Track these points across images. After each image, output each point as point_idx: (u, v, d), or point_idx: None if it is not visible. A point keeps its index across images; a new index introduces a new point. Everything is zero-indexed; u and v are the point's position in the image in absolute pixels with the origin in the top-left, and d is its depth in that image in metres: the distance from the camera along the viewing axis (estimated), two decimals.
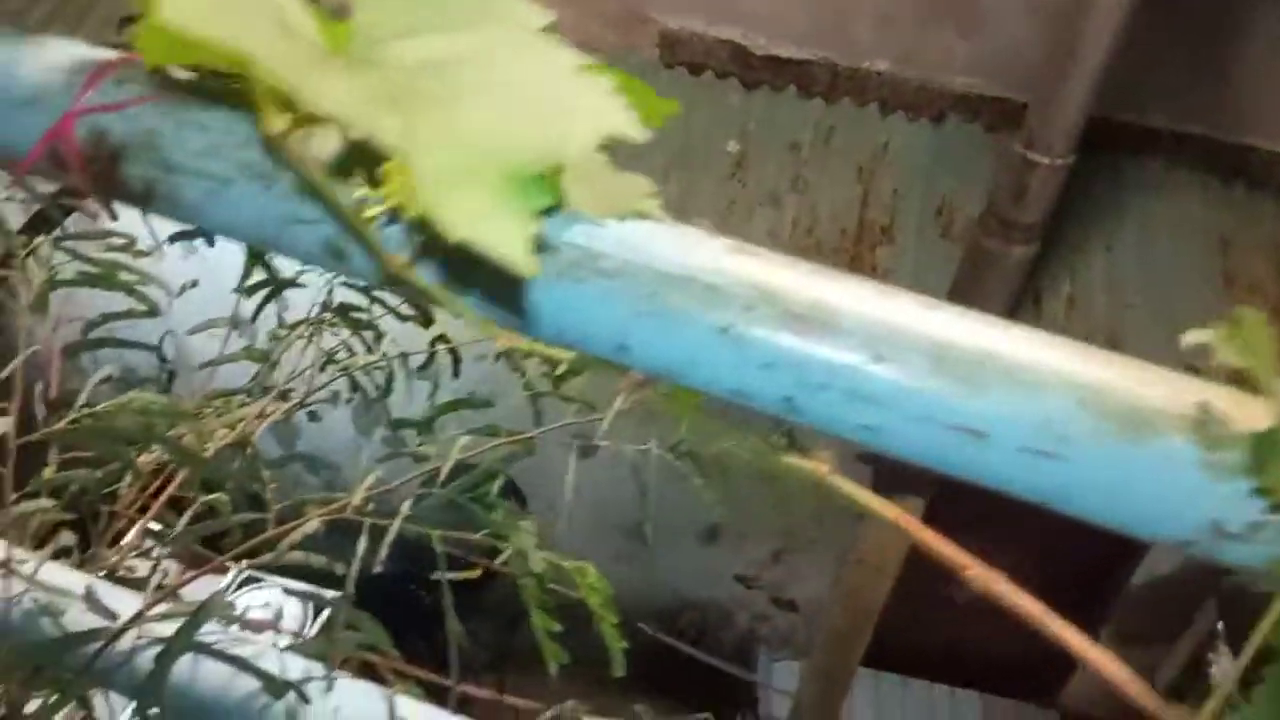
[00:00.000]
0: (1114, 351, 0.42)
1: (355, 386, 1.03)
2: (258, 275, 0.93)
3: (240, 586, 2.81)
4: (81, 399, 0.85)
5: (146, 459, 0.90)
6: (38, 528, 0.94)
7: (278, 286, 0.95)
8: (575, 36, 0.38)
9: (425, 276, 0.36)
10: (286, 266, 1.15)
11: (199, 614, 0.71)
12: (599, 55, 0.32)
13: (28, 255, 0.88)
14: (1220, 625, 3.29)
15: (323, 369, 1.09)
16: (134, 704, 0.96)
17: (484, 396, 0.97)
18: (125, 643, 0.75)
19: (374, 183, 0.32)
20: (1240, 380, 0.41)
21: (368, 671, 0.81)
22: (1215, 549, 0.39)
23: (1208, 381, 0.40)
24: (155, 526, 1.10)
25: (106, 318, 0.97)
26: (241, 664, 0.71)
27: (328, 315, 1.04)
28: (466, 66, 0.28)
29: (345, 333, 1.06)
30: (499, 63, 0.28)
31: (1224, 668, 3.28)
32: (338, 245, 0.47)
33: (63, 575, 0.83)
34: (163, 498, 0.92)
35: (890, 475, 2.66)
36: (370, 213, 0.35)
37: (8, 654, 0.74)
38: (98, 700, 0.88)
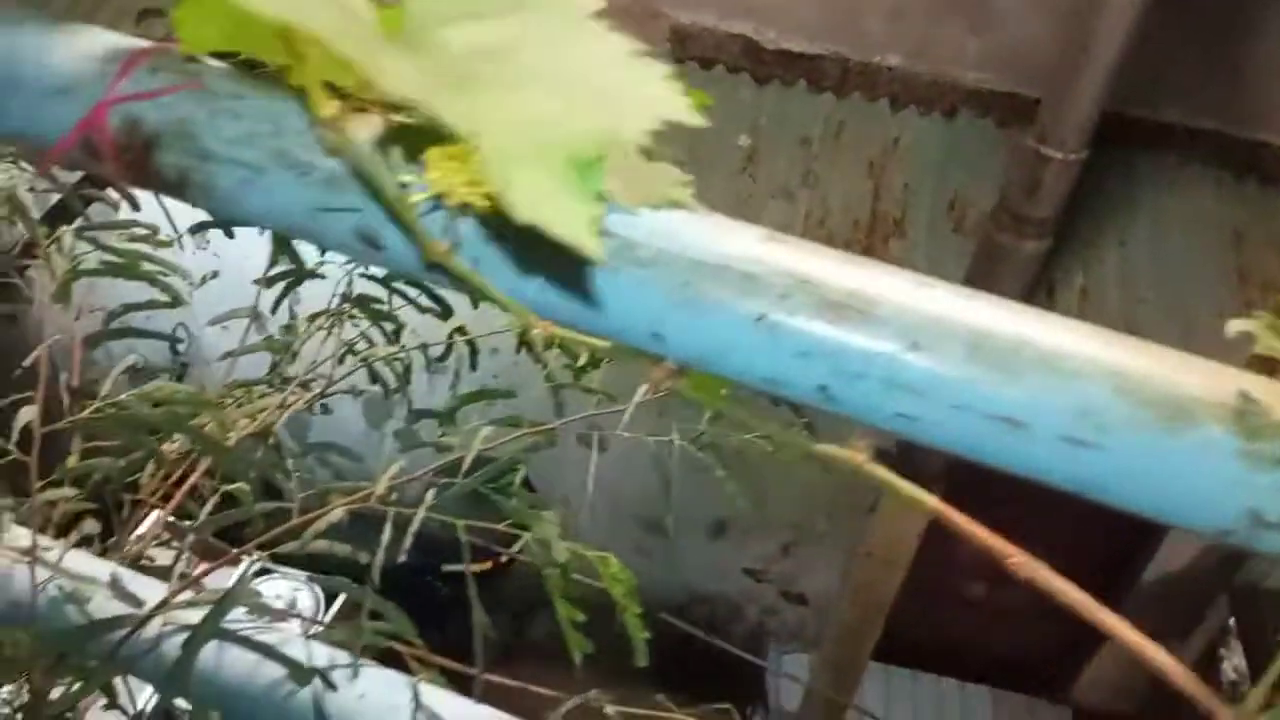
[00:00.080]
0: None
1: (374, 378, 1.04)
2: (283, 265, 0.93)
3: (253, 577, 2.82)
4: (106, 388, 0.86)
5: (168, 448, 0.90)
6: (59, 516, 0.95)
7: (299, 277, 0.96)
8: None
9: (465, 264, 0.36)
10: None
11: (224, 601, 0.71)
12: None
13: (50, 245, 0.88)
14: (1232, 621, 3.29)
15: (341, 360, 1.10)
16: (153, 690, 0.97)
17: (499, 388, 0.97)
18: (150, 630, 0.75)
19: (425, 170, 0.32)
20: (1271, 372, 0.41)
21: (389, 660, 0.81)
22: (1254, 539, 0.39)
23: (1246, 371, 0.40)
24: (160, 515, 1.11)
25: (128, 308, 0.97)
26: (267, 651, 0.72)
27: (346, 306, 1.04)
28: (521, 51, 0.28)
29: (364, 324, 1.06)
30: (553, 48, 0.28)
31: (1236, 663, 3.27)
32: (371, 233, 0.48)
33: (87, 563, 0.83)
34: (185, 487, 0.93)
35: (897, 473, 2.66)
36: (414, 199, 0.35)
37: (33, 641, 0.74)
38: (117, 685, 0.88)
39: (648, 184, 0.44)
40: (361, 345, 1.07)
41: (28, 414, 0.83)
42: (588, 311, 0.45)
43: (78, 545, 0.85)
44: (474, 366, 1.14)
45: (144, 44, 0.53)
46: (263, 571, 3.04)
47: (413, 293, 1.07)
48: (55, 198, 1.08)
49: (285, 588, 3.07)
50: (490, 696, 0.87)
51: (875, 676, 3.70)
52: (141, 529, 1.15)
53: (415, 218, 0.35)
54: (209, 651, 0.73)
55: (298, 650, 0.74)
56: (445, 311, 1.04)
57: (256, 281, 0.98)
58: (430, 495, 0.81)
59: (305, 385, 1.00)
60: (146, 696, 1.16)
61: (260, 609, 0.83)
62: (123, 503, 0.96)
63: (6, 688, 0.81)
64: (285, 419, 0.93)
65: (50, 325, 3.83)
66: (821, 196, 2.90)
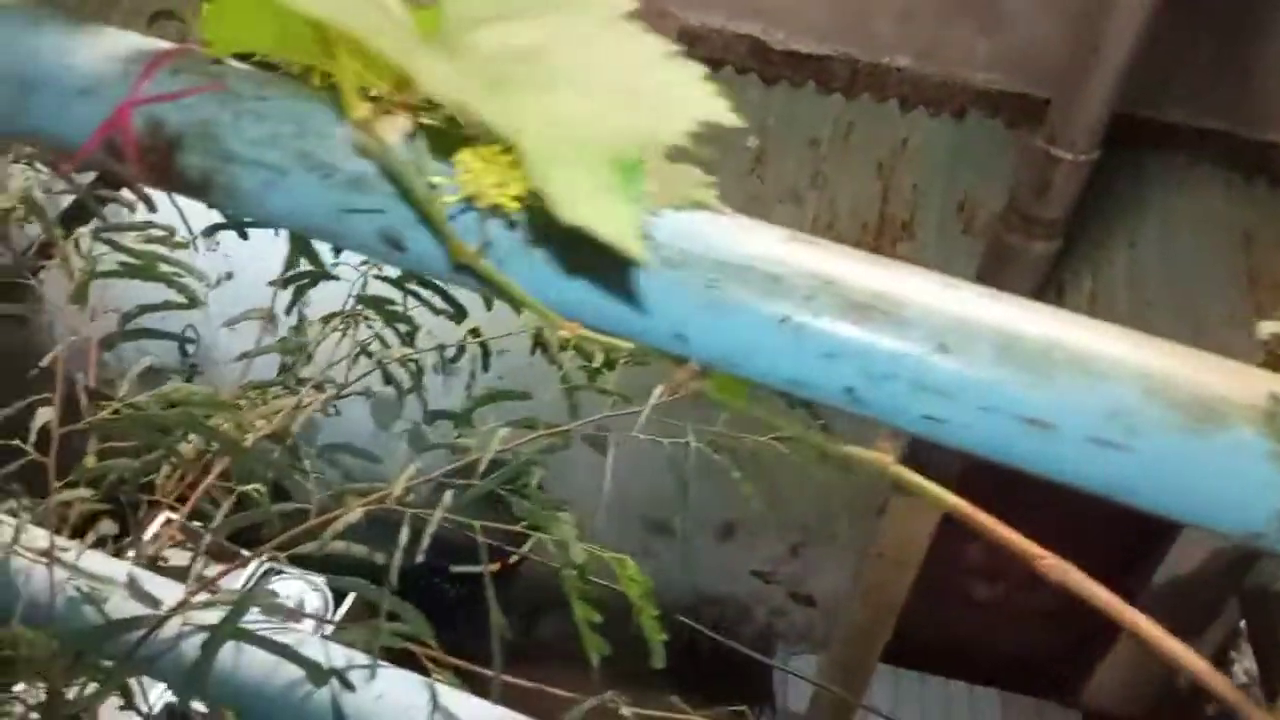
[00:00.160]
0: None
1: (388, 379, 1.04)
2: (301, 267, 0.93)
3: (262, 577, 2.82)
4: (124, 389, 0.86)
5: (185, 449, 0.91)
6: (74, 517, 0.95)
7: (314, 278, 0.96)
8: None
9: (492, 266, 0.36)
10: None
11: (243, 602, 0.71)
12: None
13: (68, 246, 0.89)
14: (1243, 624, 3.27)
15: (353, 361, 1.10)
16: (166, 689, 0.97)
17: (515, 390, 0.97)
18: (167, 631, 0.75)
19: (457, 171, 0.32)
20: None
21: (402, 660, 0.81)
22: None
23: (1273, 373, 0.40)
24: (176, 516, 1.11)
25: (143, 309, 0.97)
26: (286, 652, 0.72)
27: (360, 308, 1.04)
28: (556, 53, 0.28)
29: (377, 325, 1.06)
30: (588, 49, 0.28)
31: (1246, 666, 3.26)
32: (394, 235, 0.48)
33: (104, 564, 0.83)
34: (201, 488, 0.93)
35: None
36: (445, 201, 0.35)
37: (51, 640, 0.74)
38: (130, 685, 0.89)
39: (671, 185, 0.44)
40: (374, 347, 1.07)
41: (45, 415, 0.83)
42: (611, 313, 0.45)
43: (94, 546, 0.85)
44: (486, 368, 1.14)
45: (166, 45, 0.53)
46: (271, 571, 3.04)
47: (425, 294, 1.07)
48: (68, 199, 1.09)
49: (294, 588, 3.08)
50: (504, 697, 0.87)
51: (883, 678, 3.70)
52: (153, 530, 1.15)
53: (445, 220, 0.35)
54: (226, 652, 0.73)
55: (315, 651, 0.74)
56: (459, 313, 1.04)
57: (273, 283, 0.98)
58: (448, 497, 0.81)
59: (320, 387, 1.00)
60: (156, 694, 1.16)
61: (275, 610, 0.83)
62: (139, 503, 0.96)
63: (23, 687, 0.81)
64: (301, 421, 0.93)
65: (60, 326, 3.84)
66: (830, 198, 2.89)
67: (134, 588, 0.76)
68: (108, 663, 0.85)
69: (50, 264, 0.95)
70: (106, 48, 0.52)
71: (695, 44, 3.01)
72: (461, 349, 1.10)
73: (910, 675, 3.87)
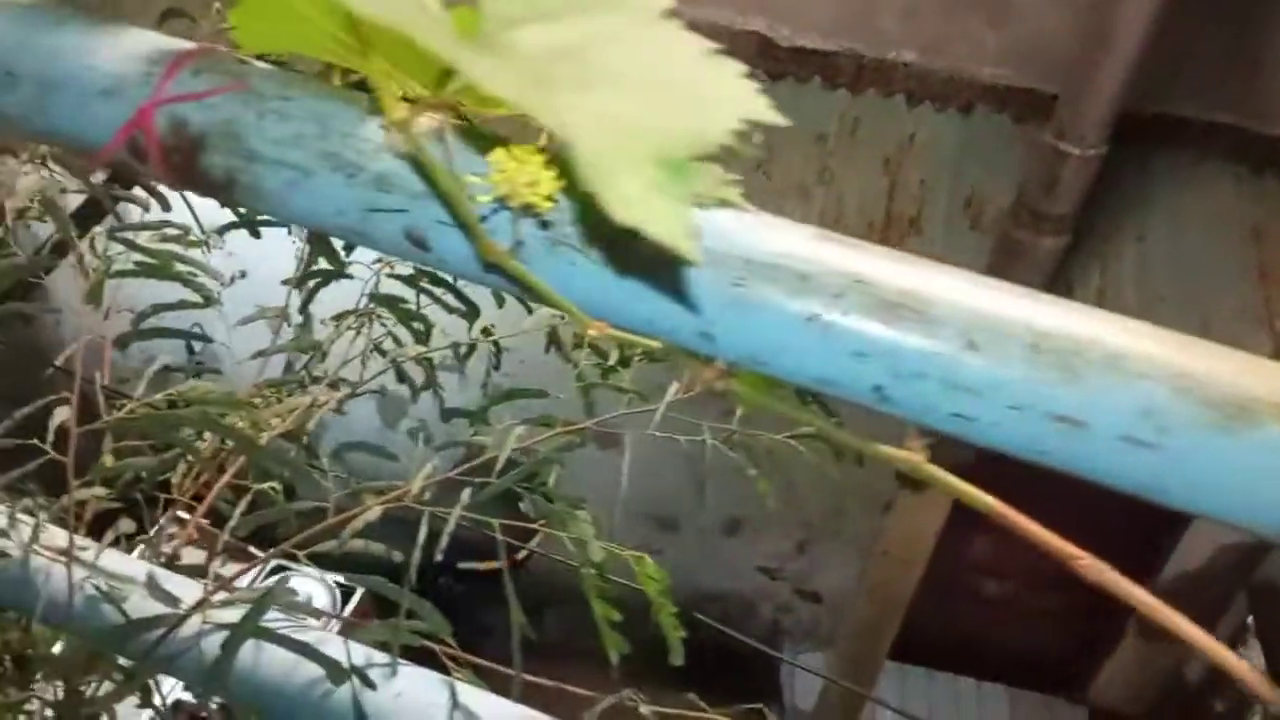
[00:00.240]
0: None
1: (401, 378, 1.04)
2: (318, 266, 0.93)
3: (270, 575, 2.83)
4: (141, 388, 0.86)
5: (201, 447, 0.91)
6: (90, 516, 0.95)
7: (328, 277, 0.96)
8: None
9: (522, 265, 0.36)
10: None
11: (263, 601, 0.72)
12: None
13: (82, 244, 0.89)
14: (1250, 619, 3.27)
15: (366, 360, 1.10)
16: (173, 682, 0.97)
17: (530, 388, 0.97)
18: (186, 630, 0.75)
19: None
20: None
21: (413, 658, 0.81)
22: None
23: None
24: (189, 516, 1.11)
25: (157, 308, 0.97)
26: (306, 650, 0.72)
27: (373, 306, 1.04)
28: (597, 52, 0.28)
29: (390, 324, 1.06)
30: (629, 48, 0.28)
31: (1254, 661, 3.26)
32: (419, 234, 0.48)
33: (123, 562, 0.83)
34: (217, 486, 0.93)
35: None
36: (480, 201, 0.35)
37: (71, 640, 0.74)
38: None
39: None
40: (387, 345, 1.08)
41: (62, 414, 0.84)
42: (637, 312, 0.44)
43: (112, 544, 0.85)
44: (498, 366, 1.14)
45: (188, 45, 0.53)
46: (279, 569, 3.05)
47: (438, 291, 1.07)
48: (77, 198, 1.09)
49: (301, 585, 3.08)
50: (520, 695, 0.87)
51: (891, 675, 3.70)
52: (165, 528, 1.15)
53: (477, 219, 0.35)
54: (246, 650, 0.73)
55: (334, 649, 0.74)
56: (472, 311, 1.04)
57: (286, 281, 0.98)
58: (466, 495, 0.81)
59: (334, 385, 1.00)
60: (168, 687, 1.16)
61: (292, 607, 0.83)
62: (157, 501, 0.96)
63: (42, 685, 0.81)
64: (317, 419, 0.93)
65: (68, 325, 3.85)
66: (837, 194, 2.89)
67: (153, 587, 0.76)
68: (125, 661, 0.86)
69: (64, 264, 0.95)
70: (128, 47, 0.52)
71: None
72: (472, 347, 1.10)
73: (917, 671, 3.87)
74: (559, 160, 0.34)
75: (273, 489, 0.91)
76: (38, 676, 0.84)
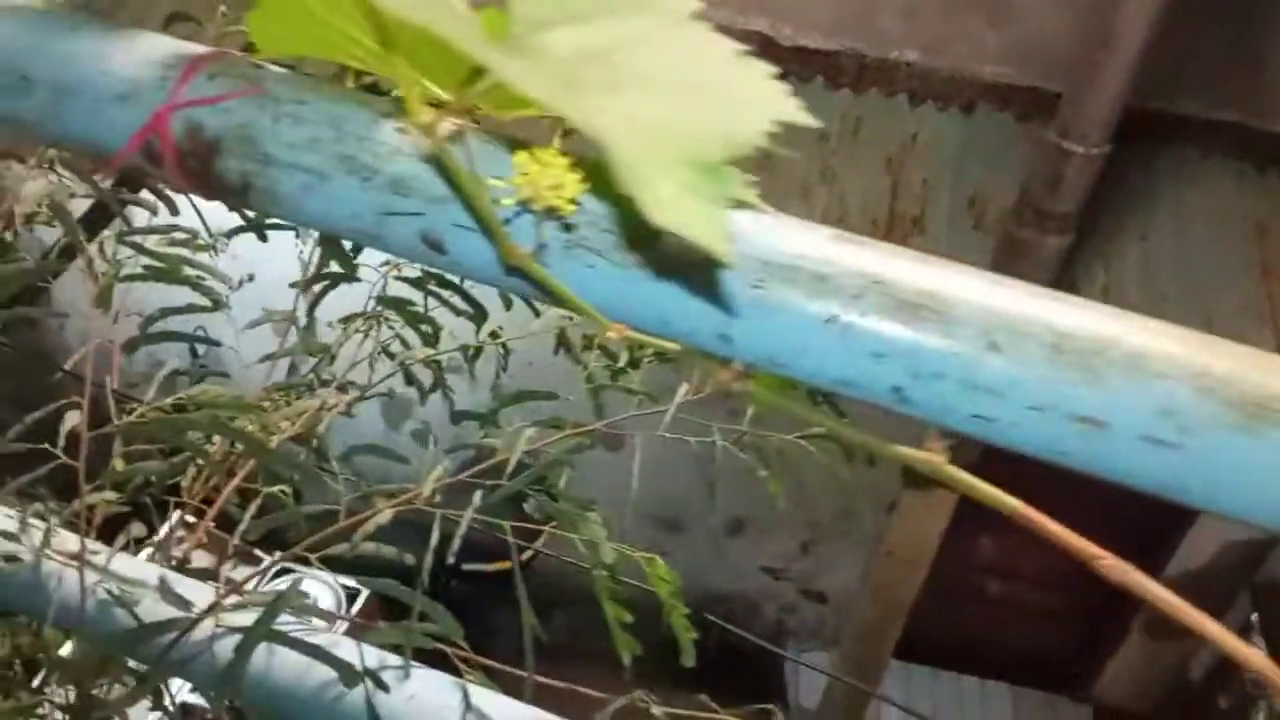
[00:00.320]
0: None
1: (409, 380, 1.04)
2: (325, 270, 0.93)
3: (274, 577, 2.83)
4: (151, 392, 0.86)
5: (212, 451, 0.91)
6: (99, 520, 0.95)
7: (336, 280, 0.96)
8: None
9: (545, 268, 0.36)
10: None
11: (276, 604, 0.72)
12: None
13: (90, 249, 0.89)
14: (1254, 617, 3.27)
15: (374, 362, 1.10)
16: (179, 685, 0.97)
17: (540, 390, 0.97)
18: (199, 633, 0.75)
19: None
20: None
21: (435, 661, 0.81)
22: None
23: None
24: (195, 519, 1.11)
25: (165, 312, 0.97)
26: (319, 653, 0.72)
27: (380, 309, 1.04)
28: (626, 54, 0.28)
29: (398, 326, 1.06)
30: (659, 50, 0.28)
31: None
32: (435, 237, 0.48)
33: (134, 566, 0.83)
34: (227, 490, 0.93)
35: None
36: (504, 204, 0.35)
37: (84, 644, 0.74)
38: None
39: None
40: (394, 348, 1.08)
41: (73, 419, 0.84)
42: (655, 314, 0.44)
43: (121, 548, 0.86)
44: (505, 368, 1.14)
45: (202, 49, 0.53)
46: (284, 571, 3.05)
47: (445, 294, 1.07)
48: (84, 202, 1.09)
49: (307, 587, 3.08)
50: (532, 696, 0.87)
51: (895, 674, 3.70)
52: (168, 529, 1.15)
53: (499, 223, 0.35)
54: (258, 653, 0.73)
55: (347, 652, 0.74)
56: (479, 314, 1.04)
57: (294, 284, 0.98)
58: (477, 497, 0.81)
59: (342, 388, 1.00)
60: (174, 688, 1.16)
61: (302, 610, 0.83)
62: (166, 505, 0.96)
63: (55, 689, 0.81)
64: (327, 422, 0.93)
65: (72, 329, 3.85)
66: (840, 194, 2.89)
67: (165, 590, 0.76)
68: (135, 665, 0.86)
69: (72, 268, 0.95)
70: (143, 52, 0.52)
71: None
72: (479, 349, 1.10)
73: (922, 670, 3.87)
74: (580, 163, 0.34)
75: (282, 492, 0.91)
76: (51, 681, 0.84)
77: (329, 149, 0.48)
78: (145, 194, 1.02)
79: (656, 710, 0.83)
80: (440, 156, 0.34)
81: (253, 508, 0.89)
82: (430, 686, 0.77)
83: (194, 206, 1.01)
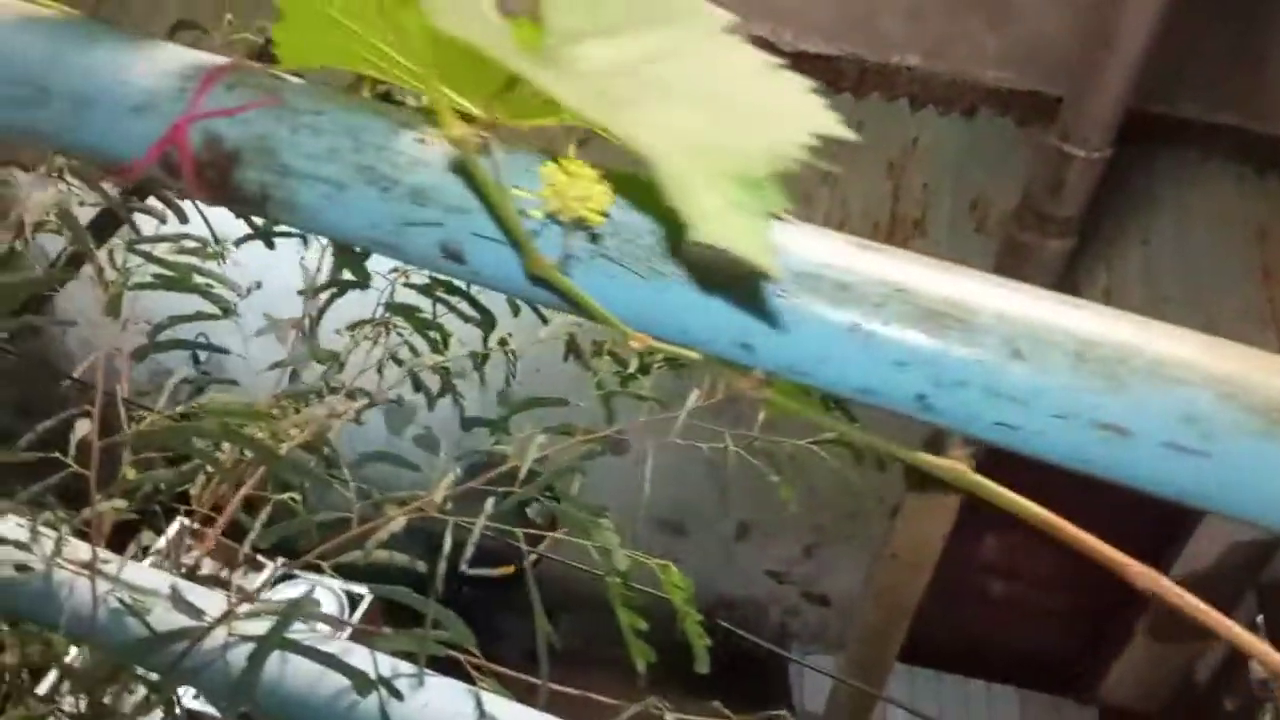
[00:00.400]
0: None
1: (418, 386, 1.04)
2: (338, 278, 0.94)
3: (276, 582, 2.82)
4: (162, 401, 0.86)
5: (223, 458, 0.91)
6: (108, 528, 0.95)
7: (344, 288, 0.96)
8: None
9: (571, 278, 0.36)
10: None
11: (289, 612, 0.72)
12: None
13: (99, 257, 0.89)
14: (1260, 618, 3.27)
15: (381, 369, 1.10)
16: (188, 689, 0.97)
17: (550, 396, 0.97)
18: (210, 642, 0.75)
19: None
20: None
21: (447, 668, 0.81)
22: None
23: None
24: (200, 526, 1.11)
25: (174, 320, 0.97)
26: (332, 661, 0.72)
27: (388, 316, 1.04)
28: (664, 66, 0.28)
29: (406, 333, 1.06)
30: (694, 63, 0.28)
31: None
32: (454, 247, 0.48)
33: (145, 574, 0.83)
34: (237, 498, 0.93)
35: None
36: (532, 215, 0.35)
37: (96, 653, 0.74)
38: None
39: None
40: (403, 354, 1.08)
41: (83, 428, 0.84)
42: (677, 323, 0.44)
43: (133, 557, 0.85)
44: (514, 374, 1.14)
45: (219, 60, 0.53)
46: (285, 577, 3.04)
47: (453, 300, 1.08)
48: (88, 210, 1.09)
49: (307, 592, 3.07)
50: (532, 701, 0.87)
51: (900, 678, 3.70)
52: (171, 535, 1.15)
53: (526, 233, 0.35)
54: (270, 662, 0.73)
55: (360, 660, 0.74)
56: (487, 320, 1.04)
57: (302, 292, 0.98)
58: (490, 504, 0.81)
59: (351, 395, 1.00)
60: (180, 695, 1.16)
61: (310, 616, 0.83)
62: (175, 512, 0.96)
63: (68, 699, 0.81)
64: (337, 429, 0.93)
65: (74, 336, 3.86)
66: (841, 197, 2.89)
67: (177, 599, 0.76)
68: (145, 673, 0.86)
69: (80, 276, 0.95)
70: (161, 63, 0.52)
71: None
72: (486, 356, 1.10)
73: (927, 674, 3.87)
74: (607, 174, 0.34)
75: (292, 499, 0.91)
76: (62, 689, 0.84)
77: (347, 159, 0.48)
78: (152, 201, 1.02)
79: (670, 717, 0.83)
80: (469, 168, 0.34)
81: (263, 515, 0.89)
82: (444, 694, 0.77)
83: (201, 214, 1.01)
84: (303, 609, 0.73)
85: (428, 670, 0.77)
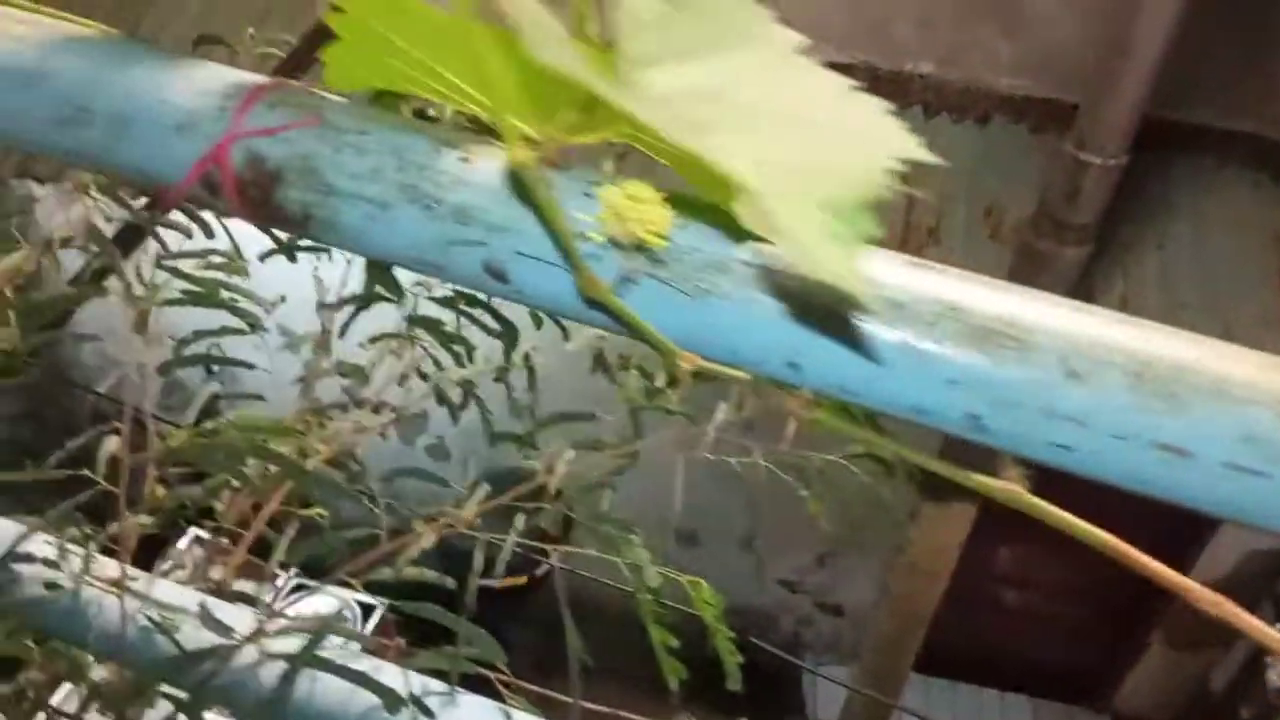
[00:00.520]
0: None
1: (441, 400, 1.04)
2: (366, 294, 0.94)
3: (290, 594, 2.83)
4: (190, 416, 0.86)
5: (251, 474, 0.91)
6: (133, 544, 0.95)
7: (367, 301, 0.96)
8: None
9: (622, 300, 0.36)
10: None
11: (321, 630, 0.71)
12: None
13: (126, 272, 0.89)
14: (1278, 628, 3.24)
15: (401, 383, 1.10)
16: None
17: (576, 412, 0.97)
18: (240, 659, 0.75)
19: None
20: None
21: (474, 684, 0.81)
22: None
23: None
24: (217, 538, 1.11)
25: (198, 335, 0.97)
26: (363, 680, 0.72)
27: (412, 330, 1.04)
28: (738, 92, 0.27)
29: (428, 346, 1.06)
30: (771, 87, 0.28)
31: None
32: (498, 267, 0.47)
33: (172, 592, 0.83)
34: (264, 512, 0.93)
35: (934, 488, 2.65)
36: (590, 238, 0.35)
37: (126, 671, 0.74)
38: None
39: None
40: (426, 367, 1.07)
41: (112, 445, 0.84)
42: (726, 344, 0.44)
43: (145, 569, 0.85)
44: (533, 387, 1.14)
45: (260, 79, 0.53)
46: (298, 588, 3.04)
47: (475, 313, 1.07)
48: (114, 226, 1.09)
49: (322, 604, 3.08)
50: (547, 714, 0.86)
51: (914, 687, 3.68)
52: (205, 555, 1.15)
53: (581, 255, 0.35)
54: (301, 679, 0.73)
55: (390, 678, 0.74)
56: (511, 333, 1.04)
57: (326, 306, 0.98)
58: (519, 520, 0.81)
59: (376, 409, 1.00)
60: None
61: (329, 630, 0.83)
62: (200, 528, 0.96)
63: (94, 716, 0.81)
64: (364, 444, 0.93)
65: (90, 349, 3.87)
66: None
67: (205, 616, 0.76)
68: (172, 690, 0.85)
69: (106, 291, 0.95)
70: (202, 82, 0.52)
71: None
72: (506, 369, 1.10)
73: (941, 683, 3.85)
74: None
75: (319, 515, 0.91)
76: (90, 707, 0.84)
77: (391, 179, 0.48)
78: (176, 216, 1.03)
79: None
80: (530, 191, 0.34)
81: (290, 531, 0.89)
82: (475, 712, 0.76)
83: (225, 228, 1.01)
84: (333, 626, 0.73)
85: (459, 688, 0.77)
